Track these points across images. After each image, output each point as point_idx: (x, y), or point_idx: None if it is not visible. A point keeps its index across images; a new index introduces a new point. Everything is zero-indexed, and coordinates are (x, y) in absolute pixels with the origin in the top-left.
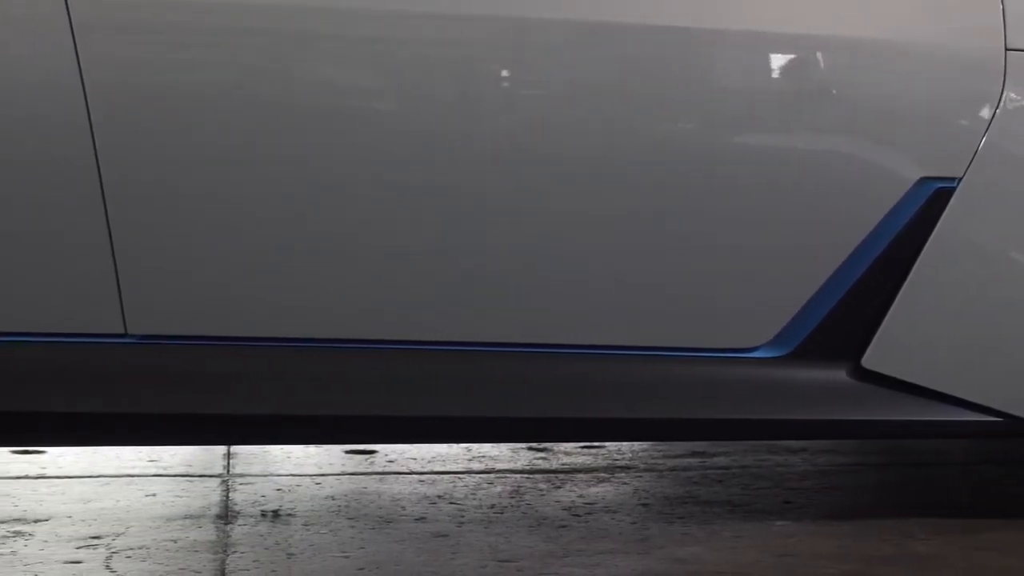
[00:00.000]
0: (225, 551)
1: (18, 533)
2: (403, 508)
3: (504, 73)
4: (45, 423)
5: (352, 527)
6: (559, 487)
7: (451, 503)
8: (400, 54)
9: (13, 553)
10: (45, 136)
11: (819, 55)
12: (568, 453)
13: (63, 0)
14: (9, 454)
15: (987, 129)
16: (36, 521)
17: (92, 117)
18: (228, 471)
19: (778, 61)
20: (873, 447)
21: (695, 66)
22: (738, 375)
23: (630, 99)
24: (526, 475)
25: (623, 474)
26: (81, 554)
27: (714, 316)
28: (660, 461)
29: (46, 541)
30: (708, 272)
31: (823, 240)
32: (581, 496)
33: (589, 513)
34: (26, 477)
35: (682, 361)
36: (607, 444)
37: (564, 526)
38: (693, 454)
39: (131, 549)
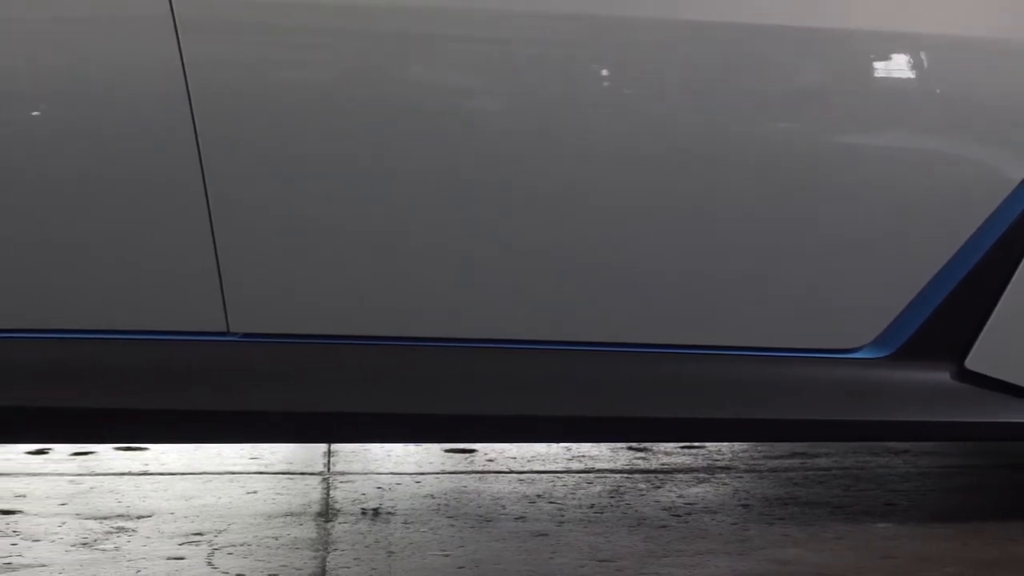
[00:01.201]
0: (325, 549)
1: (121, 529)
2: (503, 507)
3: (615, 73)
4: (148, 420)
5: (452, 526)
6: (659, 487)
7: (551, 502)
8: (509, 54)
9: (116, 549)
10: (150, 136)
11: (925, 54)
12: (668, 453)
13: (167, 1)
14: (113, 451)
15: None
16: (139, 517)
17: (196, 118)
18: (329, 469)
19: (882, 60)
20: (976, 449)
21: (802, 65)
22: (840, 376)
23: (738, 99)
24: (626, 475)
25: (723, 475)
26: (183, 550)
27: (816, 316)
28: (760, 462)
29: (149, 537)
30: (812, 272)
31: (927, 240)
32: (681, 496)
33: (689, 513)
34: (129, 473)
35: (784, 361)
36: (707, 444)
37: (664, 526)
38: (794, 455)
39: (233, 546)
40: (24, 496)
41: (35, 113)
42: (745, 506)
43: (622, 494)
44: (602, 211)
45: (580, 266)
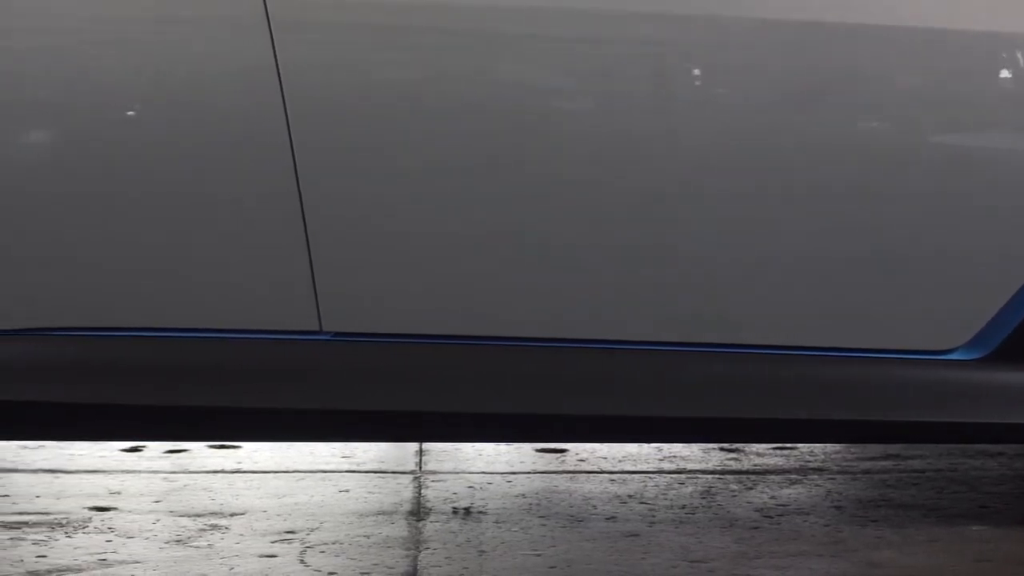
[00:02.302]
0: (417, 547)
1: (214, 526)
2: (594, 507)
3: (713, 73)
4: (242, 418)
5: (543, 525)
6: (751, 488)
7: (642, 503)
8: (608, 54)
9: (210, 546)
10: (244, 137)
11: (1020, 54)
12: (760, 454)
13: (261, 1)
14: (206, 448)
15: None
16: (232, 515)
17: (290, 118)
18: (420, 468)
19: (980, 61)
20: None
21: (900, 66)
22: (934, 377)
23: (835, 100)
24: (717, 475)
25: (816, 476)
26: (276, 548)
27: (912, 317)
28: (853, 463)
29: (242, 535)
30: (906, 273)
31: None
32: (773, 497)
33: (781, 515)
34: (222, 471)
35: (878, 362)
36: (800, 445)
37: (756, 527)
38: (887, 456)
39: (325, 544)
40: (119, 493)
41: (130, 113)
42: (838, 508)
43: (714, 495)
44: (704, 212)
45: (681, 268)
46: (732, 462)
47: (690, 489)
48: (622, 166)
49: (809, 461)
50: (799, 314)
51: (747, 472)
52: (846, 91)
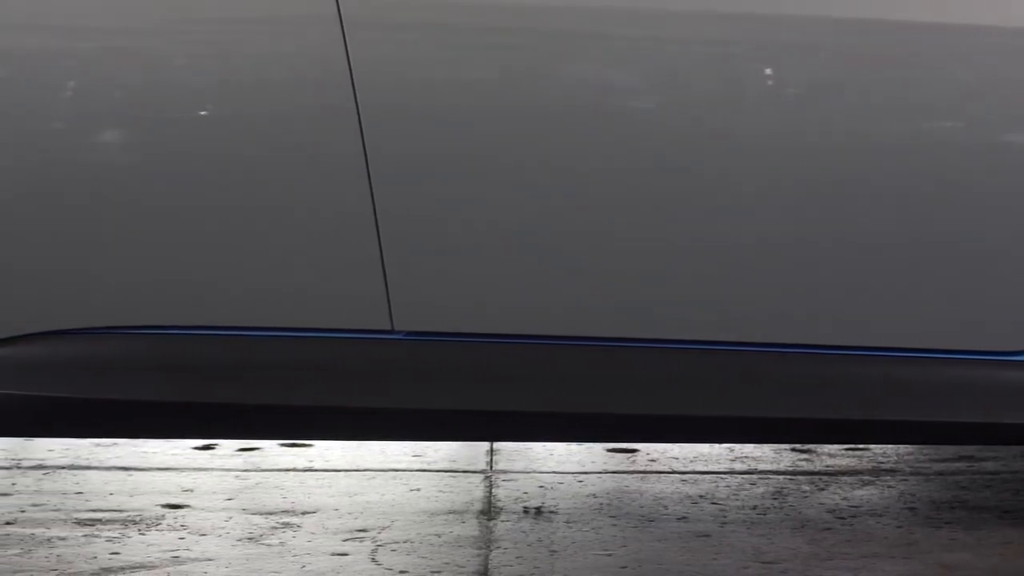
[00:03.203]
0: (488, 547)
1: (287, 524)
2: (665, 507)
3: (782, 72)
4: (314, 416)
5: (614, 525)
6: (822, 489)
7: (713, 503)
8: (673, 53)
9: (282, 544)
10: (316, 135)
11: None
12: (832, 455)
13: (334, 0)
14: (278, 447)
15: None
16: (304, 513)
17: (361, 117)
18: (491, 467)
19: None
20: None
21: (973, 64)
22: (1004, 377)
23: (908, 100)
24: (789, 476)
25: (888, 477)
26: (347, 546)
27: (982, 317)
28: (926, 465)
29: (313, 533)
30: (978, 273)
31: None
32: (845, 499)
33: (853, 516)
34: (294, 470)
35: (948, 363)
36: (872, 446)
37: (828, 528)
38: (960, 458)
39: (396, 542)
40: (191, 491)
41: (202, 112)
42: (911, 509)
43: (785, 496)
44: (776, 213)
45: (750, 267)
46: (804, 463)
47: (762, 490)
48: (693, 165)
49: (882, 462)
50: (873, 315)
51: (819, 473)
52: (921, 90)
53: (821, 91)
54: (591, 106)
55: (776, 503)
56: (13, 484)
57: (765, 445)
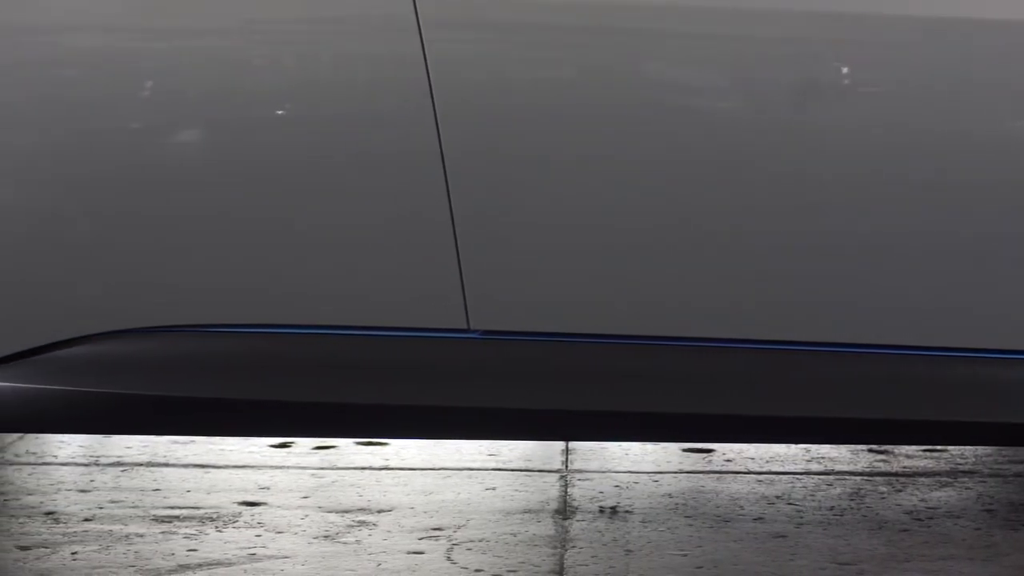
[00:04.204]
0: (563, 546)
1: (362, 523)
2: (741, 508)
3: (858, 71)
4: (390, 415)
5: (690, 525)
6: (900, 490)
7: (789, 504)
8: (751, 51)
9: (358, 542)
10: (393, 135)
11: None
12: (909, 456)
13: (411, 0)
14: (354, 445)
15: None
16: (380, 511)
17: (438, 116)
18: (566, 467)
19: None
20: None
21: None
22: None
23: (971, 97)
24: (866, 477)
25: (966, 479)
26: (423, 545)
27: None
28: (1005, 466)
29: (389, 531)
30: None
31: None
32: (923, 500)
33: (931, 518)
34: (370, 468)
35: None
36: (950, 447)
37: (905, 530)
38: None
39: (471, 541)
40: (268, 488)
41: (279, 112)
42: (989, 511)
43: (862, 497)
44: (857, 213)
45: (823, 266)
46: (881, 464)
47: (838, 490)
48: (775, 164)
49: (960, 464)
50: (947, 314)
51: (896, 474)
52: (997, 87)
53: (910, 89)
54: (671, 105)
55: (853, 504)
56: (92, 481)
57: (842, 446)
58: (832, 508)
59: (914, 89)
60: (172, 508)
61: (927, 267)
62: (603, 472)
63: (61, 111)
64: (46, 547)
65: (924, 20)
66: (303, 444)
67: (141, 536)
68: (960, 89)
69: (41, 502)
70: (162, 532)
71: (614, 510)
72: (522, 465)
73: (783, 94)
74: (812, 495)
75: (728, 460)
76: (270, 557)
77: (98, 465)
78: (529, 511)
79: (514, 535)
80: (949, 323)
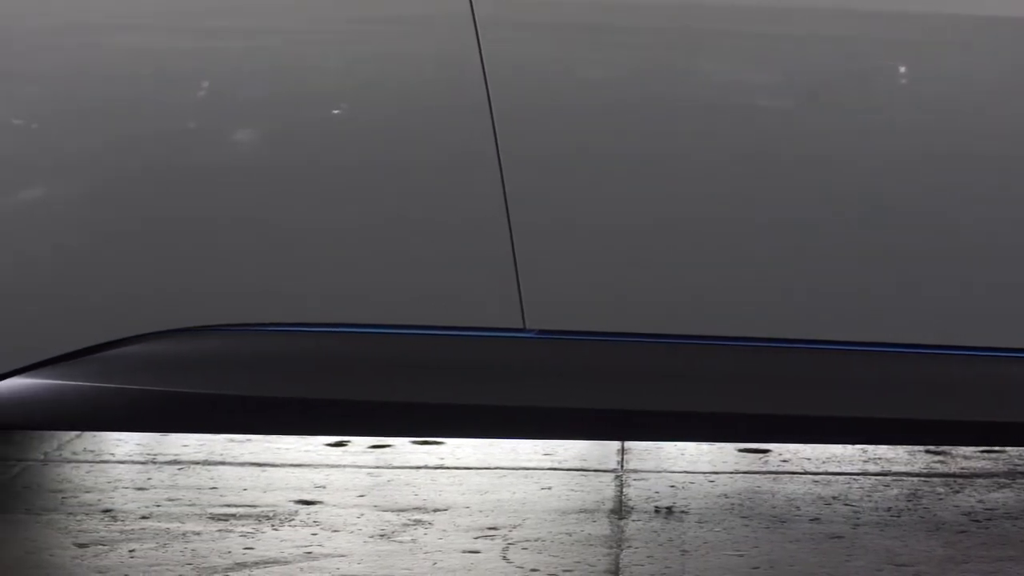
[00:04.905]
0: (619, 546)
1: (418, 522)
2: (797, 508)
3: (915, 70)
4: (445, 414)
5: (746, 526)
6: (957, 492)
7: (846, 504)
8: (807, 52)
9: (413, 541)
10: (449, 134)
11: None
12: (967, 457)
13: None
14: (410, 444)
15: None
16: (435, 510)
17: (495, 115)
18: (622, 466)
19: None
20: None
21: None
22: None
23: None
24: (923, 478)
25: None
26: (479, 544)
27: None
28: None
29: (444, 530)
30: None
31: None
32: (981, 501)
33: (989, 519)
34: (425, 467)
35: None
36: (1008, 448)
37: (963, 531)
38: None
39: (527, 541)
40: (324, 487)
41: (335, 112)
42: None
43: (919, 498)
44: (910, 211)
45: (893, 267)
46: (938, 465)
47: (895, 491)
48: (834, 163)
49: (1018, 464)
50: (1009, 314)
51: (954, 475)
52: None
53: (966, 88)
54: (729, 104)
55: (910, 505)
56: (149, 479)
57: (899, 447)
58: (889, 509)
59: (976, 86)
60: (228, 506)
61: (991, 267)
62: (659, 472)
63: (114, 112)
64: (104, 545)
65: (986, 20)
66: (359, 443)
67: (198, 534)
68: (1019, 88)
69: (99, 500)
70: (219, 530)
71: (670, 510)
72: (578, 465)
73: (842, 93)
74: (869, 496)
75: (784, 460)
76: (326, 556)
77: (155, 463)
78: (585, 511)
79: (569, 535)
80: (1012, 324)
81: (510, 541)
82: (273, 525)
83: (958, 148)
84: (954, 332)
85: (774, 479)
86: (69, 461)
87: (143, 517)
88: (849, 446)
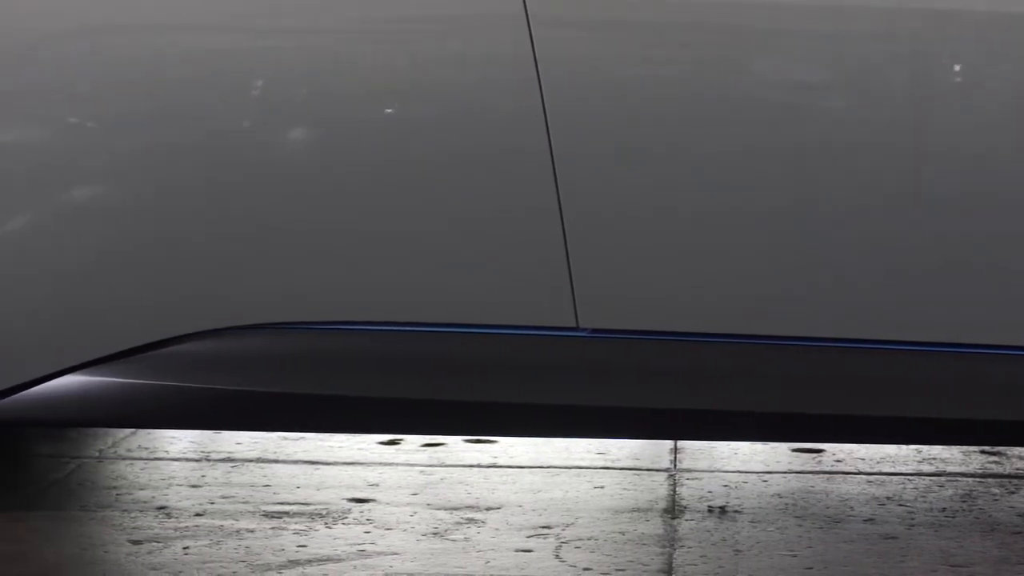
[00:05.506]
0: (672, 545)
1: (471, 520)
2: (851, 508)
3: (966, 68)
4: (498, 413)
5: (799, 526)
6: (1013, 492)
7: (900, 505)
8: (866, 50)
9: (466, 539)
10: (502, 133)
11: None
12: (1022, 458)
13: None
14: (462, 443)
15: None
16: (488, 509)
17: (548, 114)
18: (675, 466)
19: None
20: None
21: None
22: None
23: None
24: (978, 479)
25: None
26: (531, 543)
27: None
28: None
29: (497, 529)
30: None
31: None
32: None
33: None
34: (478, 466)
35: None
36: None
37: (1018, 532)
38: None
39: (580, 540)
40: (377, 485)
41: (388, 111)
42: None
43: (974, 498)
44: (949, 209)
45: (948, 267)
46: (993, 465)
47: (950, 492)
48: (889, 163)
49: None
50: None
51: (1009, 476)
52: None
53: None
54: (782, 101)
55: (965, 506)
56: (203, 476)
57: (954, 447)
58: (944, 510)
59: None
60: (282, 504)
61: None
62: (712, 471)
63: (163, 115)
64: (158, 541)
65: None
66: (412, 441)
67: (251, 531)
68: None
69: (153, 497)
70: (272, 528)
71: (723, 510)
72: (630, 464)
73: (900, 90)
74: (923, 496)
75: (838, 460)
76: (379, 553)
77: (209, 461)
78: (638, 510)
79: (622, 534)
80: None
81: (563, 540)
82: (326, 523)
83: (988, 147)
84: (1000, 332)
85: (828, 479)
86: (123, 458)
87: (197, 514)
88: (903, 447)
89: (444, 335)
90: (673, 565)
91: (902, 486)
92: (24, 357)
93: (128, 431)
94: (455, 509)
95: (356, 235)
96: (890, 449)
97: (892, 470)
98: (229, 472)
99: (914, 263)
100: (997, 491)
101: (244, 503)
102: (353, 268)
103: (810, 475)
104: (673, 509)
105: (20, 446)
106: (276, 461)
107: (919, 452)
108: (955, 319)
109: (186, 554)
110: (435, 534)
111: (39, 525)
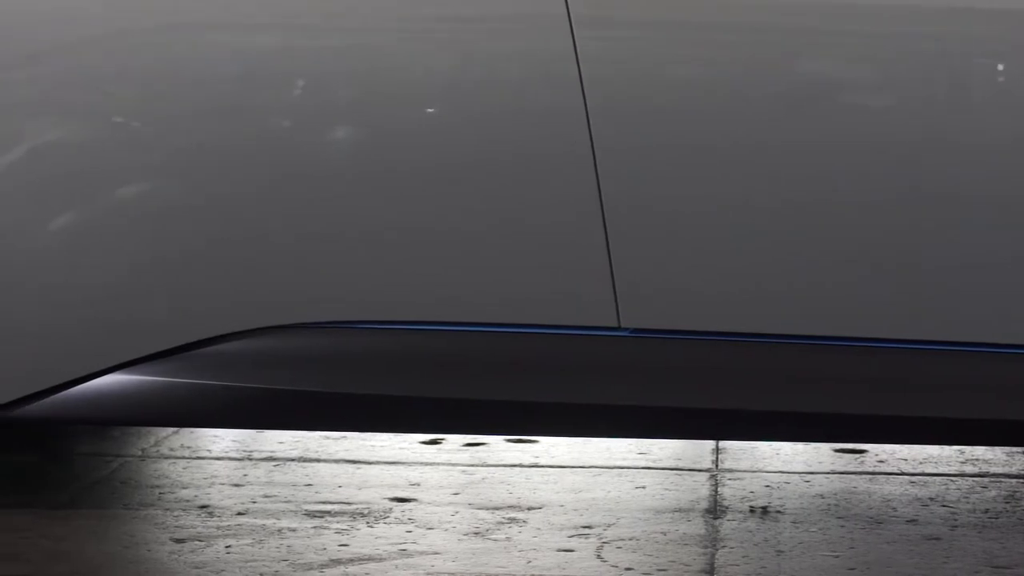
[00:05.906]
0: (714, 545)
1: (512, 520)
2: (894, 509)
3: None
4: (540, 413)
5: (842, 526)
6: None
7: (943, 506)
8: (911, 50)
9: (508, 539)
10: (544, 132)
11: None
12: None
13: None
14: (504, 442)
15: None
16: (529, 508)
17: (590, 113)
18: (717, 466)
19: None
20: None
21: None
22: None
23: None
24: (1022, 480)
25: None
26: (573, 543)
27: None
28: None
29: (539, 528)
30: None
31: None
32: None
33: None
34: (520, 465)
35: None
36: None
37: None
38: None
39: (621, 540)
40: (418, 485)
41: (429, 111)
42: None
43: (1018, 499)
44: (990, 211)
45: (981, 268)
46: None
47: (993, 493)
48: (925, 164)
49: None
50: None
51: None
52: None
53: None
54: (823, 101)
55: (1008, 507)
56: (245, 475)
57: (997, 448)
58: (987, 511)
59: None
60: (324, 503)
61: None
62: (754, 472)
63: (220, 113)
64: (200, 540)
65: None
66: (453, 441)
67: (293, 530)
68: None
69: (195, 496)
70: (314, 527)
71: (765, 510)
72: (672, 464)
73: (940, 90)
74: (966, 497)
75: (881, 461)
76: (420, 553)
77: (251, 460)
78: (679, 510)
79: (664, 534)
80: None
81: (604, 540)
82: (368, 522)
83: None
84: None
85: (870, 480)
86: (166, 457)
87: (239, 513)
88: (946, 447)
89: (486, 334)
90: (715, 565)
91: (945, 487)
92: (67, 355)
93: (170, 430)
94: (496, 509)
95: (399, 234)
96: (933, 450)
97: (935, 471)
98: (271, 471)
99: (977, 263)
100: None
101: (286, 502)
102: (396, 267)
103: (852, 476)
104: (715, 509)
105: (64, 445)
106: (318, 460)
107: (962, 453)
108: (1006, 319)
109: (228, 553)
110: (476, 534)
111: (82, 523)
